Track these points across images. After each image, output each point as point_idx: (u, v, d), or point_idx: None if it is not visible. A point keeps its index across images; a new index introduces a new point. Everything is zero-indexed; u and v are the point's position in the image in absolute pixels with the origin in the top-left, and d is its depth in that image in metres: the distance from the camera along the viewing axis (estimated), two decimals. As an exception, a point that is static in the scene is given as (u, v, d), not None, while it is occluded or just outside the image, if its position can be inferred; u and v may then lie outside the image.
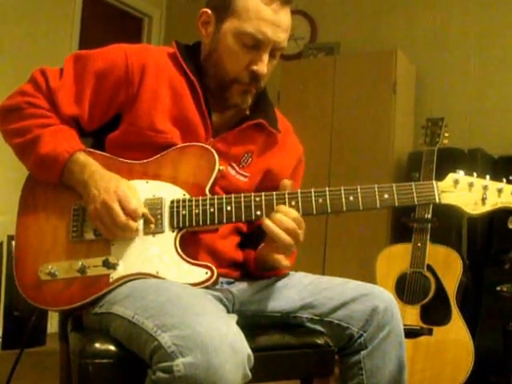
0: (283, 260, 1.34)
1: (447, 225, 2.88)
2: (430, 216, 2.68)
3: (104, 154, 1.35)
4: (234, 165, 1.43)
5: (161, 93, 1.36)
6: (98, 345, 1.14)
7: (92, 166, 1.29)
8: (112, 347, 1.14)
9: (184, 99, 1.37)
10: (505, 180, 1.30)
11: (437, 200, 1.28)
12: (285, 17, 1.33)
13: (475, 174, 1.30)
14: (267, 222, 1.26)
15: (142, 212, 1.26)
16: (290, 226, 1.25)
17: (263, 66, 1.33)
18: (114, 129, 1.37)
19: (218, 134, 1.40)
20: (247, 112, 1.47)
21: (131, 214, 1.23)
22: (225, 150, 1.39)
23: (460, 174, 1.30)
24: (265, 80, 1.39)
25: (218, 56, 1.36)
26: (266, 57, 1.33)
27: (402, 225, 2.85)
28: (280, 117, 1.53)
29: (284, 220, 1.25)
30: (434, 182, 1.29)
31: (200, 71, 1.40)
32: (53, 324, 3.37)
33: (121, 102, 1.35)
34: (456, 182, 1.29)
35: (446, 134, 2.83)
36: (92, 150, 1.36)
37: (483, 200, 1.28)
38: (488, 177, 1.30)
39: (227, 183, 1.39)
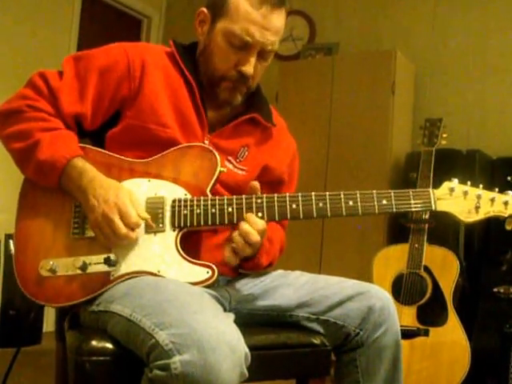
0: (231, 257, 1.32)
1: (444, 226, 2.86)
2: (427, 217, 2.68)
3: (106, 152, 1.35)
4: (232, 159, 1.44)
5: (160, 89, 1.37)
6: (94, 342, 1.14)
7: (90, 172, 1.28)
8: (109, 345, 1.14)
9: (180, 96, 1.39)
10: (497, 189, 1.33)
11: (433, 207, 1.31)
12: (276, 19, 1.34)
13: (469, 183, 1.33)
14: (235, 235, 1.28)
15: (144, 217, 1.26)
16: (254, 240, 1.27)
17: (250, 67, 1.36)
18: (113, 126, 1.37)
19: (214, 131, 1.42)
20: (241, 108, 1.47)
21: (132, 227, 1.24)
22: (221, 145, 1.41)
23: (455, 183, 1.32)
24: (255, 80, 1.42)
25: (208, 53, 1.39)
26: (253, 58, 1.35)
27: (399, 225, 2.85)
28: (275, 114, 1.56)
29: (250, 233, 1.26)
30: (430, 189, 1.32)
31: (196, 69, 1.42)
32: (49, 323, 3.37)
33: (123, 97, 1.36)
34: (451, 190, 1.32)
35: (445, 135, 2.83)
36: (93, 147, 1.35)
37: (476, 208, 1.31)
38: (481, 186, 1.33)
39: (225, 177, 1.39)
